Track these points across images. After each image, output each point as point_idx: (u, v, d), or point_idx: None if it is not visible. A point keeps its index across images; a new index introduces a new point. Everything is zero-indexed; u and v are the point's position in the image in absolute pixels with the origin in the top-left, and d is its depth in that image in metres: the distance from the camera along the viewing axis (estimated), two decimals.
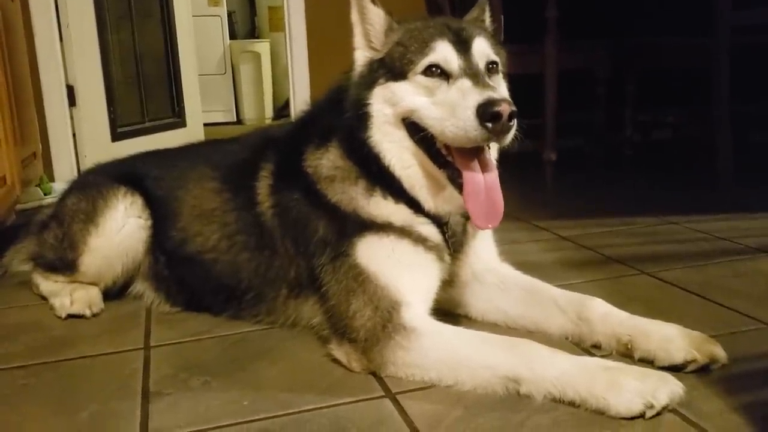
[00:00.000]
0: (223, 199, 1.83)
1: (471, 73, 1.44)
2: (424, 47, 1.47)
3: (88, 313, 1.89)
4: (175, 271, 1.91)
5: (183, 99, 5.00)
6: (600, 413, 1.24)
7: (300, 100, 4.25)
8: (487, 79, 1.45)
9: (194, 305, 1.90)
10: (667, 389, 1.23)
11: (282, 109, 7.08)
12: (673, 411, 1.25)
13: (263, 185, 1.72)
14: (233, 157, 1.89)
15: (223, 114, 7.17)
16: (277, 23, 6.94)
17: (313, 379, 1.46)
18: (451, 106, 1.40)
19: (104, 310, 1.94)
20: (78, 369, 1.59)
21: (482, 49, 1.49)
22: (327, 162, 1.59)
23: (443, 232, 1.57)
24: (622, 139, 3.83)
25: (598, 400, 1.24)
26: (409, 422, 1.27)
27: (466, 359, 1.37)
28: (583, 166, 3.79)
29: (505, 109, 1.34)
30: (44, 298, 2.02)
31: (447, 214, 1.56)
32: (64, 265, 1.97)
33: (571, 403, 1.27)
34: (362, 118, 1.52)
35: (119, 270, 1.96)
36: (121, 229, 1.93)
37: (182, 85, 5.00)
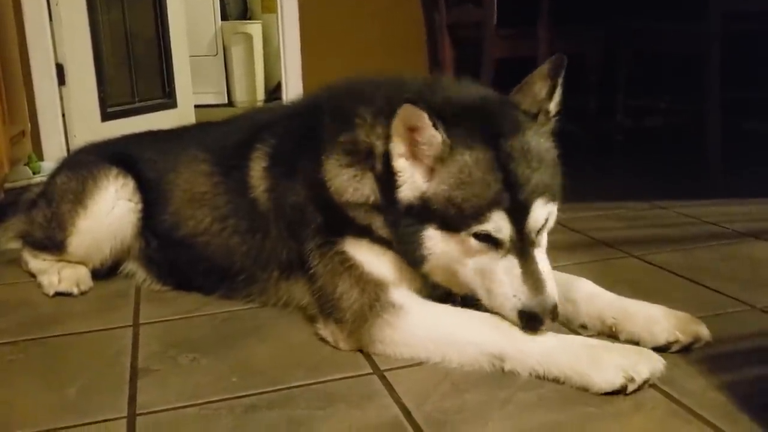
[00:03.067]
0: (214, 182, 1.82)
1: (521, 247, 1.34)
2: (481, 212, 1.32)
3: (75, 291, 1.89)
4: (168, 254, 1.91)
5: (174, 80, 4.96)
6: (584, 390, 1.26)
7: (292, 82, 4.25)
8: (533, 252, 1.37)
9: (185, 286, 1.90)
10: (648, 364, 1.26)
11: (274, 91, 7.04)
12: (657, 388, 1.27)
13: (257, 167, 1.70)
14: (225, 139, 1.88)
15: (214, 96, 7.11)
16: (270, 4, 6.88)
17: (301, 357, 1.47)
18: (494, 293, 1.36)
19: (93, 288, 1.94)
20: (66, 345, 1.59)
21: (538, 216, 1.36)
22: (360, 188, 1.50)
23: None
24: (614, 124, 3.83)
25: (581, 377, 1.26)
26: (397, 398, 1.28)
27: (453, 336, 1.39)
28: (574, 151, 3.79)
29: (548, 321, 1.33)
30: (33, 276, 2.01)
31: None
32: (53, 244, 1.97)
33: (555, 380, 1.29)
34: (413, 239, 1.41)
35: (107, 252, 1.96)
36: (110, 212, 1.92)
37: (173, 65, 4.96)
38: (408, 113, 1.33)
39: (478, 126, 1.37)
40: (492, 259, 1.35)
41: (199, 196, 1.83)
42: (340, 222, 1.53)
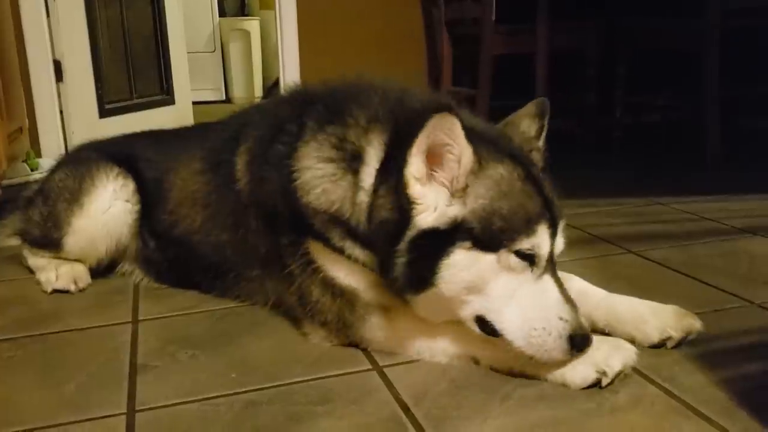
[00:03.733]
0: (206, 179, 1.81)
1: (551, 266, 1.28)
2: (529, 225, 1.24)
3: (73, 288, 1.89)
4: (165, 253, 1.90)
5: (171, 76, 4.94)
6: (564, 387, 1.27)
7: (290, 79, 4.23)
8: (556, 272, 1.30)
9: (184, 285, 1.89)
10: (619, 356, 1.26)
11: (272, 88, 7.03)
12: (656, 384, 1.27)
13: (240, 162, 1.68)
14: (217, 137, 1.86)
15: (212, 92, 7.11)
16: (268, 1, 6.86)
17: (300, 353, 1.47)
18: (532, 318, 1.23)
19: (92, 285, 1.93)
20: (65, 342, 1.59)
21: (563, 235, 1.32)
22: (331, 191, 1.40)
23: None
24: (612, 121, 3.84)
25: (555, 376, 1.27)
26: (396, 394, 1.28)
27: (438, 336, 1.38)
28: (573, 148, 3.79)
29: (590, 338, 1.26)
30: (32, 272, 2.01)
31: None
32: (49, 243, 1.96)
33: (534, 378, 1.29)
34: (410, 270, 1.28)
35: (103, 251, 1.95)
36: (106, 211, 1.91)
37: (171, 62, 4.95)
38: (444, 122, 1.21)
39: (493, 143, 1.31)
40: (526, 281, 1.25)
41: (193, 195, 1.83)
42: (302, 222, 1.45)
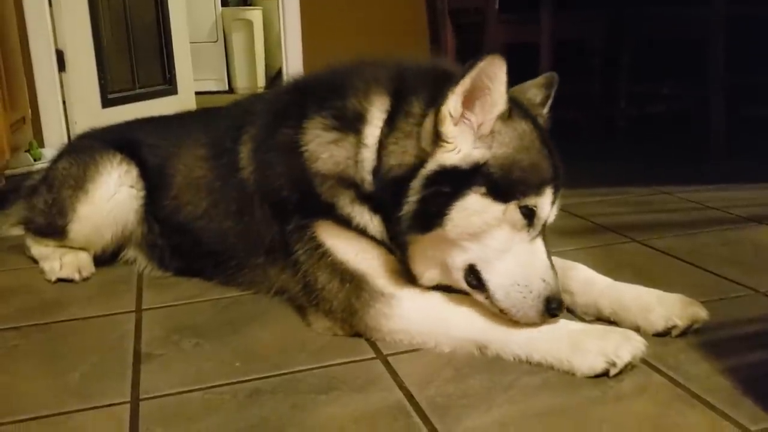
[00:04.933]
0: (209, 166, 1.81)
1: (543, 231, 1.36)
2: (541, 184, 1.31)
3: (77, 277, 1.88)
4: (169, 239, 1.90)
5: (174, 66, 4.95)
6: (570, 375, 1.26)
7: (293, 68, 4.22)
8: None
9: (186, 272, 1.90)
10: (629, 347, 1.26)
11: (275, 77, 7.02)
12: (661, 372, 1.27)
13: (245, 150, 1.68)
14: (221, 124, 1.86)
15: (214, 82, 7.10)
16: None
17: (304, 341, 1.47)
18: (518, 275, 1.31)
19: (95, 275, 1.93)
20: (69, 331, 1.59)
21: (558, 206, 1.40)
22: (335, 154, 1.45)
23: None
24: (617, 110, 3.82)
25: (563, 363, 1.27)
26: (400, 382, 1.28)
27: (444, 323, 1.39)
28: (577, 137, 3.78)
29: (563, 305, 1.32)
30: (36, 261, 2.01)
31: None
32: (54, 230, 1.96)
33: (540, 366, 1.29)
34: (420, 209, 1.33)
35: (109, 238, 1.95)
36: (111, 197, 1.91)
37: (173, 52, 4.95)
38: (493, 63, 1.24)
39: (514, 102, 1.37)
40: (522, 240, 1.33)
41: (196, 181, 1.83)
42: (310, 199, 1.48)
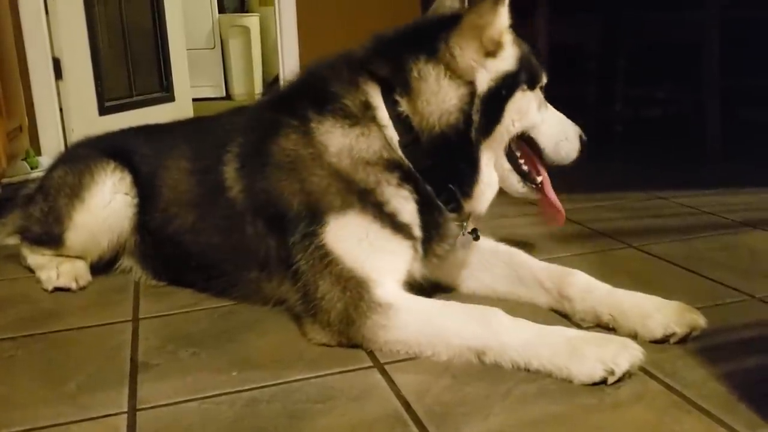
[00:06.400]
0: (195, 181, 1.80)
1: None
2: (541, 66, 1.61)
3: (74, 286, 1.88)
4: (160, 250, 1.90)
5: (171, 73, 4.94)
6: (568, 382, 1.26)
7: (290, 74, 4.22)
8: None
9: (179, 283, 1.89)
10: (627, 355, 1.26)
11: (272, 84, 7.01)
12: (657, 379, 1.27)
13: (230, 169, 1.67)
14: (204, 140, 1.86)
15: (212, 89, 7.10)
16: None
17: (301, 350, 1.47)
18: (563, 130, 1.66)
19: (92, 284, 1.93)
20: (66, 340, 1.59)
21: None
22: (365, 146, 1.50)
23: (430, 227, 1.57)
24: (613, 114, 3.83)
25: (561, 370, 1.27)
26: (397, 391, 1.28)
27: (441, 331, 1.38)
28: None
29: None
30: (32, 271, 2.01)
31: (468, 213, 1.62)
32: (50, 239, 1.96)
33: (538, 372, 1.29)
34: (490, 120, 1.52)
35: (105, 246, 1.95)
36: (107, 205, 1.91)
37: (170, 59, 4.94)
38: None
39: None
40: (546, 109, 1.64)
41: (182, 195, 1.82)
42: (325, 194, 1.49)
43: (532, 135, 1.61)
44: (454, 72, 1.49)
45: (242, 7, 7.81)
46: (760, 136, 3.62)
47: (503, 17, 1.50)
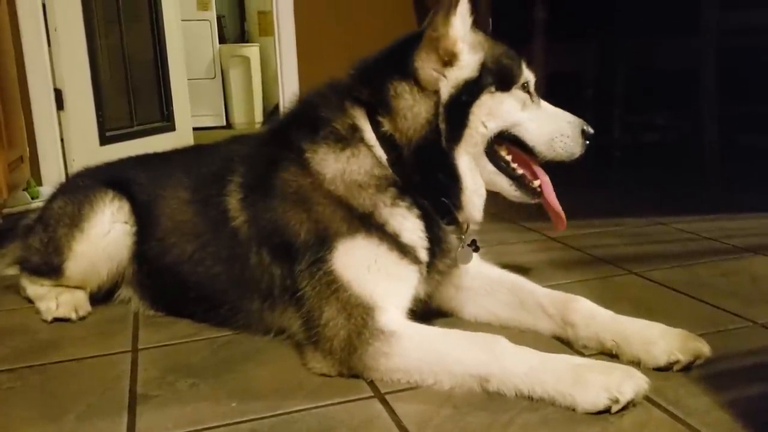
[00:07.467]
0: (194, 211, 1.81)
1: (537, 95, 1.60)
2: (519, 64, 1.59)
3: (74, 316, 1.88)
4: (157, 280, 1.89)
5: (172, 103, 4.99)
6: (572, 410, 1.25)
7: (289, 104, 4.25)
8: None
9: (178, 314, 1.88)
10: (632, 383, 1.24)
11: (272, 113, 7.08)
12: (661, 408, 1.26)
13: (233, 200, 1.68)
14: (204, 167, 1.86)
15: (212, 118, 7.15)
16: (267, 27, 6.94)
17: (301, 380, 1.46)
18: (557, 126, 1.58)
19: (91, 314, 1.92)
20: (64, 372, 1.58)
21: None
22: (356, 168, 1.53)
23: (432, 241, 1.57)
24: (611, 140, 3.85)
25: (565, 397, 1.25)
26: (398, 422, 1.27)
27: (444, 359, 1.37)
28: (571, 168, 3.80)
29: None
30: (31, 302, 2.00)
31: (465, 224, 1.62)
32: (50, 269, 1.95)
33: (542, 400, 1.28)
34: (455, 127, 1.52)
35: (105, 275, 1.94)
36: (106, 234, 1.91)
37: (171, 89, 4.99)
38: None
39: None
40: (533, 108, 1.58)
41: (181, 224, 1.82)
42: (332, 224, 1.50)
43: (516, 133, 1.57)
44: (421, 86, 1.53)
45: (242, 38, 7.90)
46: (759, 162, 3.63)
47: (456, 27, 1.52)
